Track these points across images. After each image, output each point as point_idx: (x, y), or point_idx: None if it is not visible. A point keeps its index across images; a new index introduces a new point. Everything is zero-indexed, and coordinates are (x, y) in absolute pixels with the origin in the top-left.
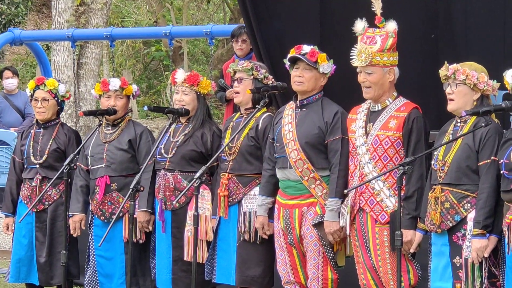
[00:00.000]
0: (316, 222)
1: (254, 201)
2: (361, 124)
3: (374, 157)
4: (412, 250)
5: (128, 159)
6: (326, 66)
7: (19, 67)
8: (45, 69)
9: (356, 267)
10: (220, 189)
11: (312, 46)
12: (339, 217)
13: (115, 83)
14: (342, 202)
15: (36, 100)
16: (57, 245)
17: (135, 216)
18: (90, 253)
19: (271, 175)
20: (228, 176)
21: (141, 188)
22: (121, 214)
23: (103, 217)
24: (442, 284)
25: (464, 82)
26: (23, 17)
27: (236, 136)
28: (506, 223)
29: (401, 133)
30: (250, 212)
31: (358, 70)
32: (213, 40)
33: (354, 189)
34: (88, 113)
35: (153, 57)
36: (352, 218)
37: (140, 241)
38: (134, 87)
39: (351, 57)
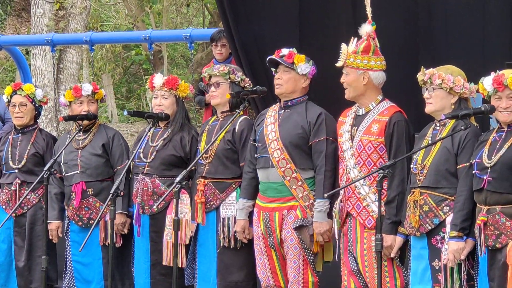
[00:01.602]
0: (297, 225)
1: (232, 206)
2: (347, 128)
3: (359, 162)
4: (392, 255)
5: (102, 164)
6: (304, 66)
7: None
8: (25, 74)
9: (341, 269)
10: (197, 195)
11: (290, 49)
12: (328, 217)
13: (87, 88)
14: (330, 202)
15: (13, 105)
16: (36, 249)
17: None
18: (68, 259)
19: (252, 177)
20: (204, 182)
21: (121, 193)
22: (99, 219)
23: (80, 223)
24: (422, 287)
25: (440, 86)
26: (2, 22)
27: (213, 139)
28: (477, 224)
29: (383, 137)
30: (228, 218)
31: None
32: (192, 44)
33: (339, 192)
34: (68, 118)
35: (133, 61)
36: (342, 222)
37: (117, 245)
38: (103, 91)
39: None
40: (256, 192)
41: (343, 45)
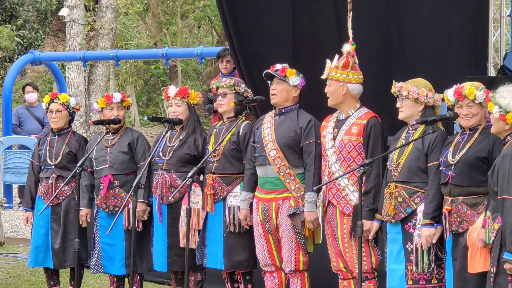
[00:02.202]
0: (290, 213)
1: (236, 197)
2: (330, 130)
3: (340, 158)
4: (370, 237)
5: (128, 160)
6: (295, 79)
7: (38, 83)
8: (61, 84)
9: (329, 253)
10: (207, 188)
11: (283, 64)
12: (316, 208)
13: (117, 97)
14: (318, 195)
15: (51, 111)
16: (70, 234)
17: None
18: (96, 241)
19: (252, 173)
20: (213, 177)
21: (142, 186)
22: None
23: (107, 210)
24: (396, 266)
25: (407, 97)
26: (42, 41)
27: (220, 140)
28: (443, 212)
29: (361, 137)
30: (234, 207)
31: None
32: (203, 60)
33: (325, 185)
34: (97, 122)
35: (152, 74)
36: (325, 210)
37: (138, 229)
38: (130, 100)
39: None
40: (255, 186)
41: (328, 61)
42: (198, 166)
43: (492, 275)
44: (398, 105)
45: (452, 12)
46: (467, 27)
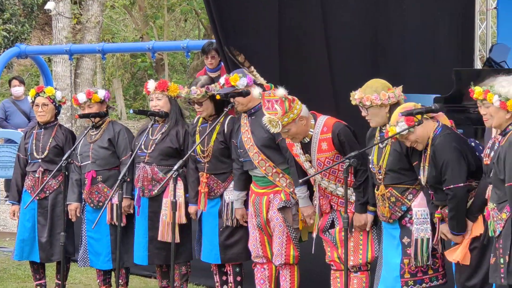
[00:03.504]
0: (281, 206)
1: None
2: (300, 152)
3: (324, 175)
4: (367, 229)
5: (109, 155)
6: (241, 82)
7: (25, 76)
8: (47, 78)
9: (324, 245)
10: (201, 186)
11: (225, 76)
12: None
13: (82, 97)
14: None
15: (37, 105)
16: (57, 227)
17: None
18: (83, 234)
19: (241, 173)
20: (206, 175)
21: (127, 179)
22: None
23: (92, 204)
24: (393, 260)
25: (371, 105)
26: (28, 34)
27: (206, 140)
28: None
29: (335, 150)
30: (232, 202)
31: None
32: (189, 53)
33: (311, 177)
34: (82, 116)
35: (139, 67)
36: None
37: (122, 224)
38: (101, 93)
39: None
40: (246, 184)
41: (267, 116)
42: (183, 158)
43: (502, 265)
44: (363, 114)
45: (439, 6)
46: (453, 20)
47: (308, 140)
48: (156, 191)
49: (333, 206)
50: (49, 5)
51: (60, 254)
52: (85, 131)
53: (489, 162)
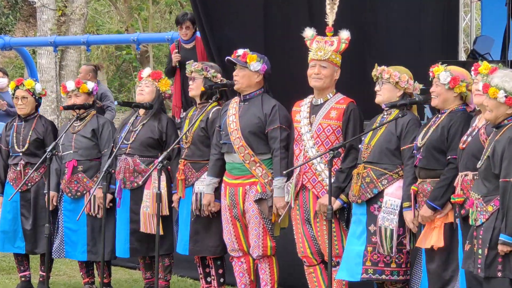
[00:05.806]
0: (257, 198)
1: (204, 183)
2: (305, 115)
3: (317, 143)
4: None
5: (91, 146)
6: (256, 64)
7: (9, 68)
8: (32, 70)
9: (295, 237)
10: (178, 173)
11: (245, 49)
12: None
13: (70, 85)
14: (287, 180)
15: (17, 98)
16: (41, 219)
17: (95, 194)
18: (59, 225)
19: (217, 159)
20: (184, 162)
21: (112, 171)
22: (84, 192)
23: (70, 194)
24: (356, 247)
25: (388, 80)
26: (13, 26)
27: (192, 127)
28: (413, 190)
29: (341, 122)
30: (201, 193)
31: (312, 64)
32: None
33: (298, 168)
34: (67, 107)
35: (124, 59)
36: (296, 194)
37: (98, 216)
38: (90, 85)
39: (309, 51)
40: (221, 171)
41: (320, 43)
42: (168, 150)
43: (480, 256)
44: (376, 88)
45: None
46: (438, 12)
47: (322, 102)
48: (140, 182)
49: (303, 181)
50: None
51: (45, 246)
52: (69, 123)
53: (464, 147)
